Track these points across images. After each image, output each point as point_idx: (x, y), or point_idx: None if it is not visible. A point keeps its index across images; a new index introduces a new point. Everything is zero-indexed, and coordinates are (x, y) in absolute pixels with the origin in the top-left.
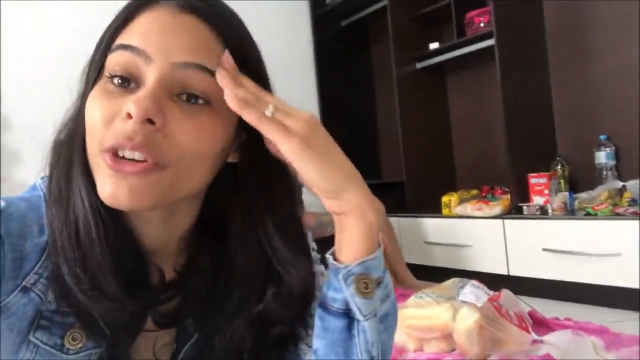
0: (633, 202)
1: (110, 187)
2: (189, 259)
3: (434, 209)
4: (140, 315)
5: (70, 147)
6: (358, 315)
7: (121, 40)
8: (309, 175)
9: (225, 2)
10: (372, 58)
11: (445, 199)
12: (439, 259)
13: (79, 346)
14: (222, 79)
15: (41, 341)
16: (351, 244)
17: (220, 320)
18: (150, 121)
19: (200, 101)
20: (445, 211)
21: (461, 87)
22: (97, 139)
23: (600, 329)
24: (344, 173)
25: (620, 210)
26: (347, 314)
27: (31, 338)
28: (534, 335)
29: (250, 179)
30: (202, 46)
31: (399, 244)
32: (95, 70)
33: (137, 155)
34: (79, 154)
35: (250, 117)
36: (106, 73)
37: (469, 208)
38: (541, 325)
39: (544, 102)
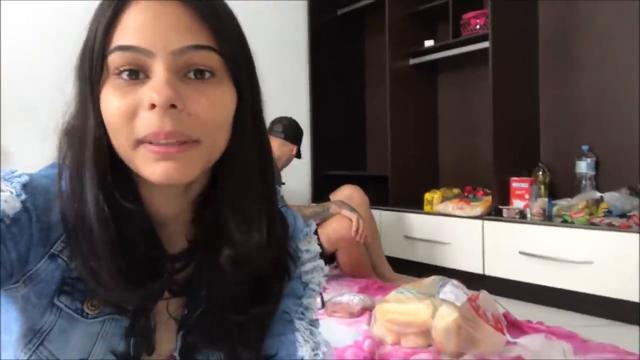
0: (609, 213)
1: (161, 169)
2: (200, 224)
3: (416, 204)
4: (156, 293)
5: (79, 148)
6: None
7: (118, 40)
8: None
9: None
10: (365, 49)
11: (428, 195)
12: (418, 254)
13: (97, 311)
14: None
15: (65, 305)
16: None
17: (226, 284)
18: (172, 106)
19: (207, 75)
20: (427, 207)
21: (452, 86)
22: (125, 134)
23: (570, 334)
24: None
25: (596, 220)
26: None
27: (56, 302)
28: (508, 337)
29: (241, 145)
30: (190, 27)
31: (379, 236)
32: (98, 70)
33: (171, 142)
34: (90, 154)
35: None
36: (113, 70)
37: (450, 206)
38: (515, 327)
39: (532, 108)
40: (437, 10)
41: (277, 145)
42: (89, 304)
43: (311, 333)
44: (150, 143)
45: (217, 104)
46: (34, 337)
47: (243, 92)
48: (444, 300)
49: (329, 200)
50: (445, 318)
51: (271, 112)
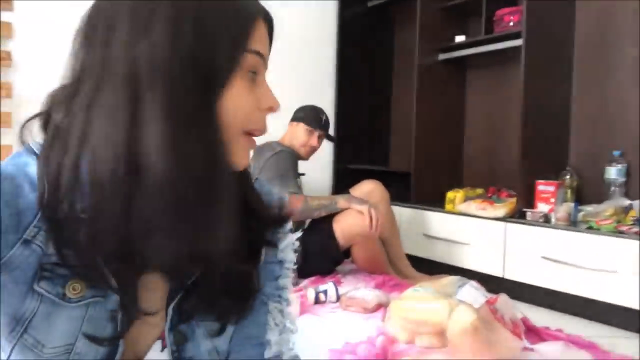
0: (637, 221)
1: (244, 157)
2: None
3: (437, 203)
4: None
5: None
6: None
7: (253, 46)
8: None
9: None
10: (394, 42)
11: (450, 194)
12: (437, 253)
13: (79, 295)
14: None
15: (46, 290)
16: None
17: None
18: None
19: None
20: (448, 207)
21: (481, 84)
22: (243, 122)
23: (590, 344)
24: None
25: (623, 228)
26: None
27: (36, 288)
28: (525, 343)
29: None
30: None
31: (399, 233)
32: (232, 63)
33: None
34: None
35: None
36: (249, 68)
37: (473, 206)
38: (533, 333)
39: (563, 110)
40: (469, 5)
41: (300, 131)
42: (71, 287)
43: (282, 316)
44: (251, 135)
45: None
46: (17, 324)
47: None
48: (461, 301)
49: (349, 194)
50: (462, 319)
51: (297, 102)
